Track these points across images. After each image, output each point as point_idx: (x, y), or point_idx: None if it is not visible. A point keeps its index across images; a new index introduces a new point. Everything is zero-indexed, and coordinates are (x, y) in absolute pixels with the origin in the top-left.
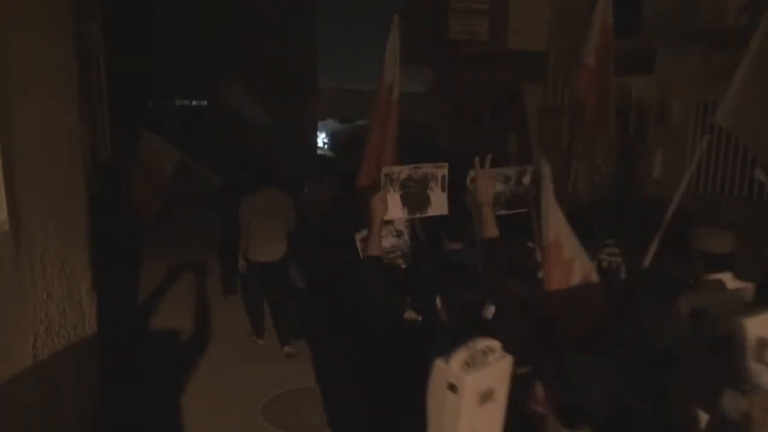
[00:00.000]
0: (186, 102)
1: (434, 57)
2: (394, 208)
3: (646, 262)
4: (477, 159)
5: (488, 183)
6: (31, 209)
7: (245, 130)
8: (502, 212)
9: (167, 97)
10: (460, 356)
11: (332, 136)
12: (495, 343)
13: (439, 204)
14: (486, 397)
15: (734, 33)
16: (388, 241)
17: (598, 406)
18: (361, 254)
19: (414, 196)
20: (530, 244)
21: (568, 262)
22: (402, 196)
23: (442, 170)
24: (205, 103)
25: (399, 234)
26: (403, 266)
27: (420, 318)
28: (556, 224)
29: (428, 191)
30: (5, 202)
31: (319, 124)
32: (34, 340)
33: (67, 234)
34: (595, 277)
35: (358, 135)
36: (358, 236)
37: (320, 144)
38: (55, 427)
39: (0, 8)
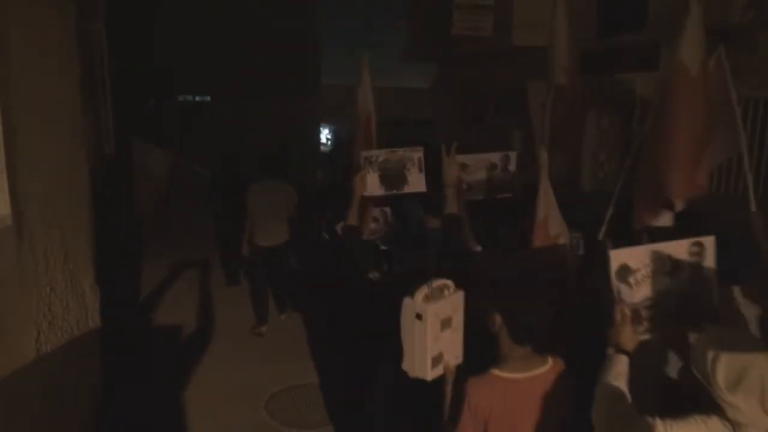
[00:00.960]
0: (189, 99)
1: (437, 53)
2: (372, 185)
3: (600, 236)
4: (443, 146)
5: (452, 167)
6: (34, 204)
7: (248, 127)
8: (484, 197)
9: (170, 95)
10: (421, 292)
11: (335, 133)
12: (449, 282)
13: (416, 182)
14: (445, 323)
15: (739, 29)
16: (367, 226)
17: (541, 327)
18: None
19: (391, 176)
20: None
21: (553, 238)
22: (380, 176)
23: (418, 153)
24: (208, 99)
25: (375, 220)
26: (382, 248)
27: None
28: (546, 204)
29: (405, 171)
30: (8, 197)
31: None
32: (37, 334)
33: (70, 229)
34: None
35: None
36: (338, 226)
37: (323, 140)
38: (57, 421)
39: (3, 5)
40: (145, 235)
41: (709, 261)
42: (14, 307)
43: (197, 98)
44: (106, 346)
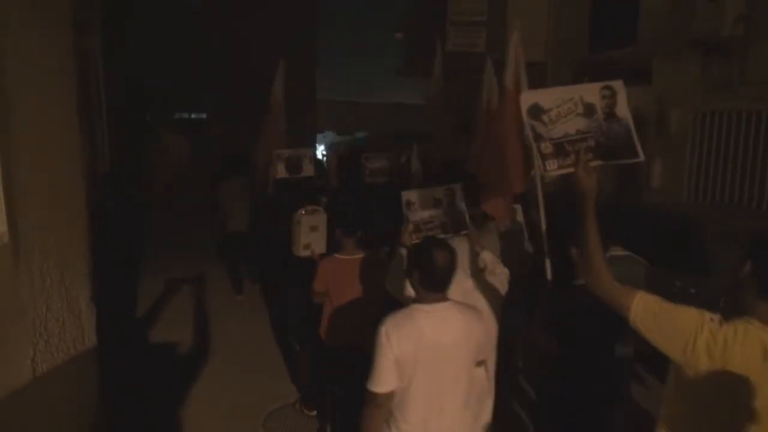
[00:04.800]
0: (185, 115)
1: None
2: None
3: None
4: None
5: (406, 235)
6: (30, 222)
7: (244, 142)
8: (440, 236)
9: (167, 110)
10: (304, 209)
11: (331, 148)
12: (320, 208)
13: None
14: (313, 228)
15: (731, 42)
16: (427, 212)
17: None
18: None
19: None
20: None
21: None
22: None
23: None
24: (204, 116)
25: (437, 203)
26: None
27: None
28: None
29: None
30: (5, 215)
31: (318, 136)
32: (33, 353)
33: (67, 246)
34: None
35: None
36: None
37: (319, 156)
38: None
39: (1, 23)
40: (145, 252)
41: (621, 104)
42: (10, 327)
43: (193, 116)
44: (103, 364)
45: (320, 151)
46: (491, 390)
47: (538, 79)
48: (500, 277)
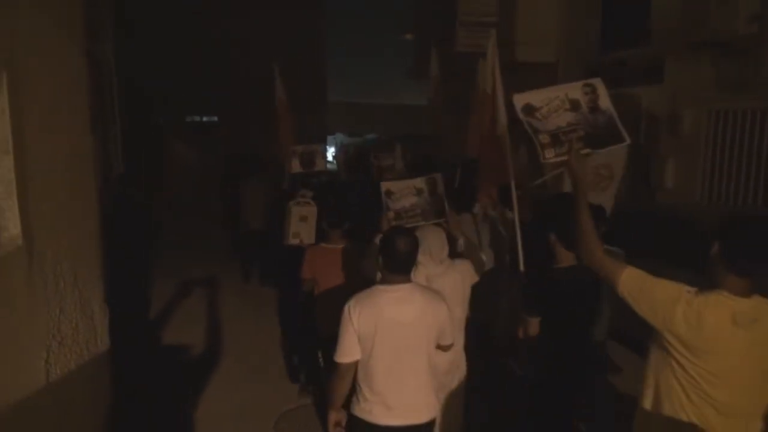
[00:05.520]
0: (197, 118)
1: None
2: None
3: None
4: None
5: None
6: (44, 225)
7: (253, 143)
8: (421, 222)
9: (179, 114)
10: (296, 200)
11: (340, 149)
12: (311, 201)
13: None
14: (303, 218)
15: (745, 41)
16: (408, 200)
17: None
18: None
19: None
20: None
21: None
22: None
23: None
24: (215, 119)
25: (419, 192)
26: (421, 224)
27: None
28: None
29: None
30: (19, 218)
31: (328, 137)
32: (46, 355)
33: (80, 249)
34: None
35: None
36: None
37: (329, 158)
38: None
39: (14, 28)
40: (156, 253)
41: (603, 98)
42: (24, 328)
43: (205, 119)
44: (116, 366)
45: (330, 152)
46: (461, 369)
47: (549, 80)
48: (474, 264)
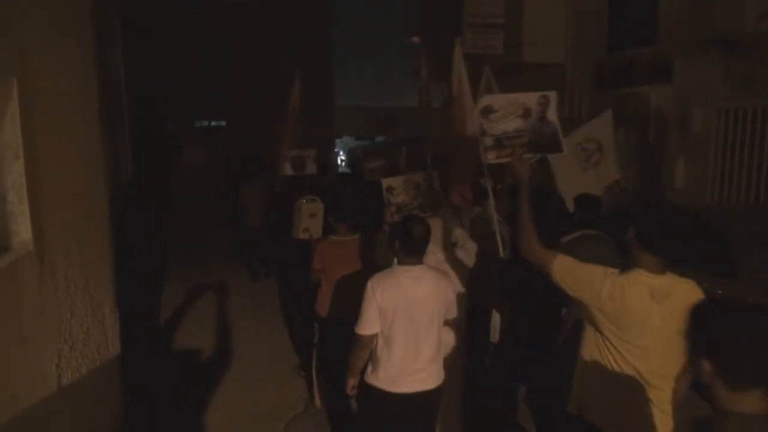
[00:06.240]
0: (205, 123)
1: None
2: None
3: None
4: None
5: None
6: (54, 229)
7: (262, 149)
8: (420, 215)
9: (188, 119)
10: (305, 198)
11: (350, 153)
12: (317, 198)
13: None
14: (312, 215)
15: (753, 39)
16: (407, 195)
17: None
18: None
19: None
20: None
21: None
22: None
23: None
24: (223, 123)
25: (418, 187)
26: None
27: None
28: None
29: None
30: (30, 223)
31: (337, 141)
32: (58, 359)
33: (90, 253)
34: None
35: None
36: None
37: (338, 161)
38: None
39: (24, 34)
40: (164, 255)
41: (552, 110)
42: (36, 333)
43: (213, 123)
44: (126, 370)
45: (339, 156)
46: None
47: (557, 81)
48: (469, 251)
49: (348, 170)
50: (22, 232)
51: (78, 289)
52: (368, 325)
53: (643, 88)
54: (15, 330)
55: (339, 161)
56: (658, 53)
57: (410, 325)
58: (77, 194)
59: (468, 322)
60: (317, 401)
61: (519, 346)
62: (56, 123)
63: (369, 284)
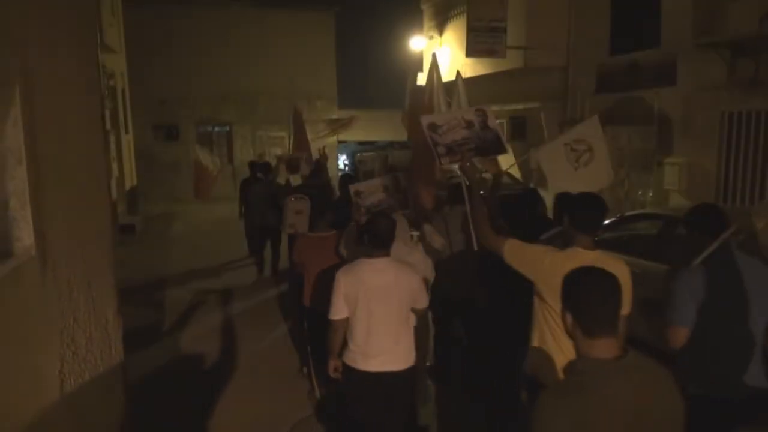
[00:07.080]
0: (209, 129)
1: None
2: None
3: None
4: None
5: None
6: (57, 234)
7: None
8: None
9: (192, 124)
10: (293, 196)
11: (352, 157)
12: (305, 197)
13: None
14: (298, 212)
15: (757, 41)
16: (376, 197)
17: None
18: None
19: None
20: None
21: None
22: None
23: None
24: (227, 129)
25: (386, 189)
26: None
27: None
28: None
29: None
30: (32, 228)
31: (340, 146)
32: (60, 365)
33: (93, 258)
34: None
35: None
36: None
37: (341, 166)
38: None
39: (27, 40)
40: (171, 260)
41: (491, 119)
42: (38, 339)
43: (217, 128)
44: (129, 376)
45: (342, 160)
46: (428, 327)
47: (560, 84)
48: (437, 245)
49: (351, 173)
50: (25, 237)
51: (80, 294)
52: (336, 310)
53: (646, 91)
54: (17, 335)
55: (342, 164)
56: (662, 56)
57: (370, 311)
58: (80, 199)
59: (443, 312)
60: (317, 390)
61: (494, 332)
62: (59, 128)
63: (337, 275)
